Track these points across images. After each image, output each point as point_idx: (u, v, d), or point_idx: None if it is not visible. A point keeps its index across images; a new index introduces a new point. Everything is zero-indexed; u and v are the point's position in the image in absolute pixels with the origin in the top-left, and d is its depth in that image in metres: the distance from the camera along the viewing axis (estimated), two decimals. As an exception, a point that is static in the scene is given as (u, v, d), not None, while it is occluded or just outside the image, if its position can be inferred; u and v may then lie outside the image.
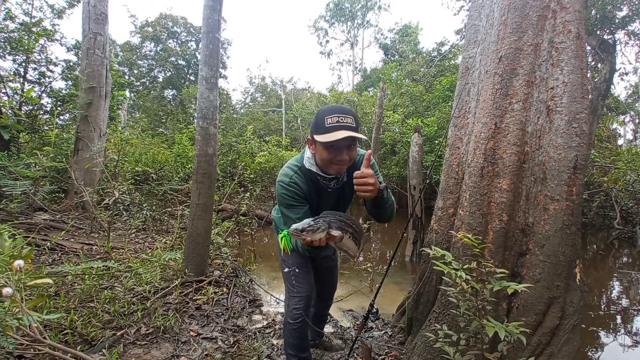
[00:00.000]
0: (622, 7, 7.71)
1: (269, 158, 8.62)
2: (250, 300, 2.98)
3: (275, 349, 2.25)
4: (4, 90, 6.20)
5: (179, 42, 21.87)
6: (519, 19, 1.90)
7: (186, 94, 19.00)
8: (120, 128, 9.07)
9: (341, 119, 1.37)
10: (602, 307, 3.54)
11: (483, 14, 2.20)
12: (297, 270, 1.79)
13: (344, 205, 1.75)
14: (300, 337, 1.82)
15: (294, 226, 1.29)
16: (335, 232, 1.30)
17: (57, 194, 5.49)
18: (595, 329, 2.97)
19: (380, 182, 1.38)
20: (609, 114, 12.11)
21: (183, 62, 21.70)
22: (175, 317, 2.40)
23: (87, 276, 2.61)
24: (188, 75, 21.79)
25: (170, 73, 21.73)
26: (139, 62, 21.34)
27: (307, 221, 1.30)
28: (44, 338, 1.58)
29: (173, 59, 21.31)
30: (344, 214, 1.40)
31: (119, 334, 2.14)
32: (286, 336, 1.87)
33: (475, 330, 1.44)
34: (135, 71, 21.19)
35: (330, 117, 1.38)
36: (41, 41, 6.77)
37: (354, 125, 1.39)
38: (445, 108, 9.03)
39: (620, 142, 15.50)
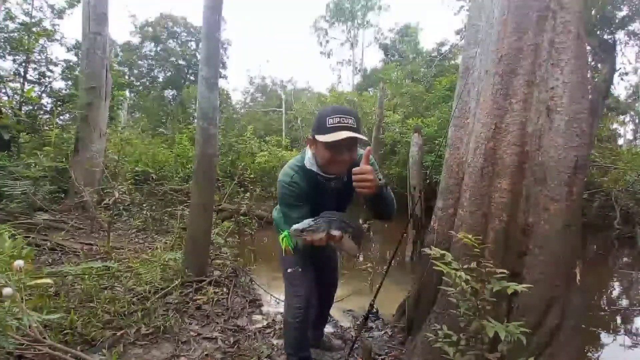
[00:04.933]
0: (622, 7, 7.71)
1: (269, 158, 8.63)
2: (250, 300, 2.98)
3: (275, 349, 2.24)
4: (4, 90, 6.20)
5: (179, 42, 21.87)
6: (519, 19, 1.90)
7: (186, 94, 19.00)
8: (120, 128, 9.07)
9: (343, 120, 1.40)
10: (602, 307, 3.54)
11: (483, 14, 2.20)
12: (298, 271, 1.79)
13: (344, 205, 1.75)
14: (300, 337, 1.82)
15: (294, 226, 1.31)
16: (335, 232, 1.31)
17: (57, 194, 5.48)
18: (595, 329, 2.96)
19: (380, 179, 1.38)
20: (609, 114, 12.10)
21: (183, 62, 21.69)
22: (175, 317, 2.40)
23: (87, 276, 2.61)
24: (188, 75, 21.77)
25: (170, 73, 21.73)
26: (139, 62, 21.34)
27: (307, 221, 1.32)
28: (44, 338, 1.58)
29: (173, 59, 21.31)
30: (344, 214, 1.42)
31: (119, 334, 2.13)
32: (286, 335, 1.87)
33: (475, 330, 1.43)
34: (135, 71, 21.19)
35: (332, 118, 1.41)
36: (41, 41, 6.77)
37: (355, 126, 1.42)
38: (445, 108, 9.03)
39: (620, 142, 15.49)
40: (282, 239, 1.53)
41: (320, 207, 1.52)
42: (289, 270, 1.81)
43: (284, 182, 1.57)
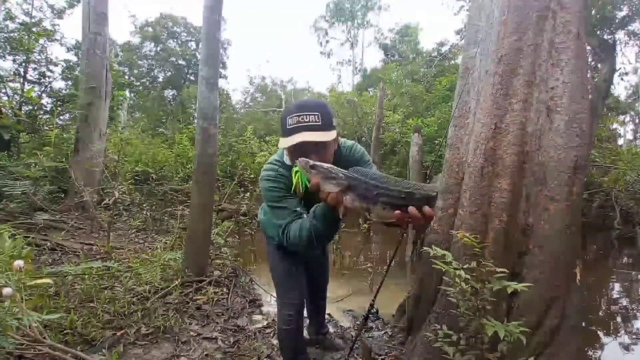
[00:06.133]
0: (622, 7, 7.71)
1: (269, 158, 8.60)
2: (250, 300, 2.98)
3: (275, 349, 2.24)
4: (4, 90, 6.20)
5: (179, 42, 21.88)
6: (519, 19, 1.90)
7: (186, 94, 18.98)
8: (120, 128, 9.06)
9: (302, 119, 1.19)
10: (602, 307, 3.54)
11: (483, 14, 2.19)
12: (287, 277, 1.77)
13: None
14: (295, 342, 1.81)
15: (303, 159, 1.03)
16: (349, 201, 0.95)
17: (57, 194, 5.48)
18: (595, 328, 2.96)
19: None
20: (609, 114, 12.10)
21: (183, 62, 21.70)
22: (175, 317, 2.40)
23: (87, 276, 2.61)
24: (188, 75, 21.78)
25: (170, 73, 21.74)
26: (139, 62, 21.35)
27: (330, 165, 1.02)
28: (44, 338, 1.58)
29: (173, 59, 21.32)
30: (388, 176, 1.01)
31: (119, 334, 2.13)
32: (281, 341, 1.86)
33: (475, 330, 1.43)
34: (135, 71, 21.20)
35: (291, 117, 1.21)
36: (41, 41, 6.77)
37: (319, 123, 1.20)
38: (445, 108, 9.04)
39: (620, 142, 15.49)
40: (295, 173, 1.20)
41: (307, 205, 1.35)
42: (277, 277, 1.80)
43: (270, 177, 1.40)
